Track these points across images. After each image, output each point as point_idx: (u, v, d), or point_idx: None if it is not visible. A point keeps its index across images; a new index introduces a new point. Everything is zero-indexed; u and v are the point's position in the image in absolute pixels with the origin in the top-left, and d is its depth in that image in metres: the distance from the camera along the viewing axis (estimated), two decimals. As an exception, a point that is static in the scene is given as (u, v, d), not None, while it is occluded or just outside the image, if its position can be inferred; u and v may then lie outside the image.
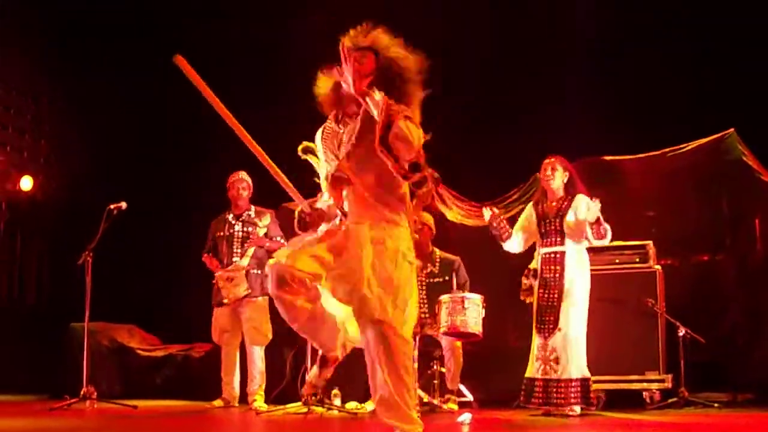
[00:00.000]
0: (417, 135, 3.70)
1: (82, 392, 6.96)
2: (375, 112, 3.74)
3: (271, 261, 3.84)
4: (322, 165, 4.07)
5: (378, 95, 3.75)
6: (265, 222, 7.36)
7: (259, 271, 7.20)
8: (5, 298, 10.02)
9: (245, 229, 7.35)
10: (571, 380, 6.00)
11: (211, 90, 3.69)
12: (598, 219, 6.02)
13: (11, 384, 8.79)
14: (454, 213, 7.95)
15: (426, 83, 3.97)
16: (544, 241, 6.30)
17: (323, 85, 4.09)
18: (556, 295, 6.15)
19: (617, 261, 7.00)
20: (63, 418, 6.34)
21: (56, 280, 9.96)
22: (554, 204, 6.28)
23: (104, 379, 8.26)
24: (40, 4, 9.81)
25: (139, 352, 8.94)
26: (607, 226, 6.09)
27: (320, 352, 4.04)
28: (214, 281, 7.31)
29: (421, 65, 3.94)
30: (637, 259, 6.99)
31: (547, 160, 6.36)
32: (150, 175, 9.78)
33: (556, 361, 6.06)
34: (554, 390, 6.04)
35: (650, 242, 7.01)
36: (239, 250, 7.29)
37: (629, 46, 8.30)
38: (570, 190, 6.30)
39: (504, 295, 7.15)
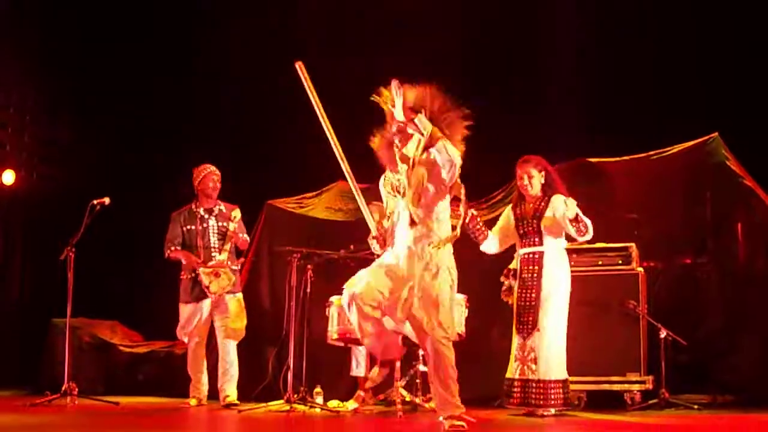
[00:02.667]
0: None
1: (63, 388, 6.92)
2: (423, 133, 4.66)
3: (347, 288, 4.70)
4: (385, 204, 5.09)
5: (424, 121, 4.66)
6: (237, 216, 7.20)
7: (237, 267, 7.15)
8: (-14, 294, 9.96)
9: (220, 223, 7.17)
10: (549, 381, 5.98)
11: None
12: (577, 215, 5.97)
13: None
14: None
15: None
16: (523, 242, 6.26)
17: (378, 143, 4.91)
18: (534, 295, 6.11)
19: (600, 263, 6.99)
20: (43, 414, 6.30)
21: (38, 275, 9.89)
22: (531, 205, 6.22)
23: (86, 375, 8.21)
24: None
25: (121, 348, 8.91)
26: (588, 221, 6.03)
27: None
28: (188, 276, 7.10)
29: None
30: (620, 261, 6.99)
31: (520, 170, 6.24)
32: (134, 170, 9.74)
33: (534, 361, 6.02)
34: (533, 390, 6.00)
35: (633, 244, 7.02)
36: (217, 245, 7.14)
37: (615, 47, 8.32)
38: (547, 191, 6.21)
39: (486, 295, 7.16)
